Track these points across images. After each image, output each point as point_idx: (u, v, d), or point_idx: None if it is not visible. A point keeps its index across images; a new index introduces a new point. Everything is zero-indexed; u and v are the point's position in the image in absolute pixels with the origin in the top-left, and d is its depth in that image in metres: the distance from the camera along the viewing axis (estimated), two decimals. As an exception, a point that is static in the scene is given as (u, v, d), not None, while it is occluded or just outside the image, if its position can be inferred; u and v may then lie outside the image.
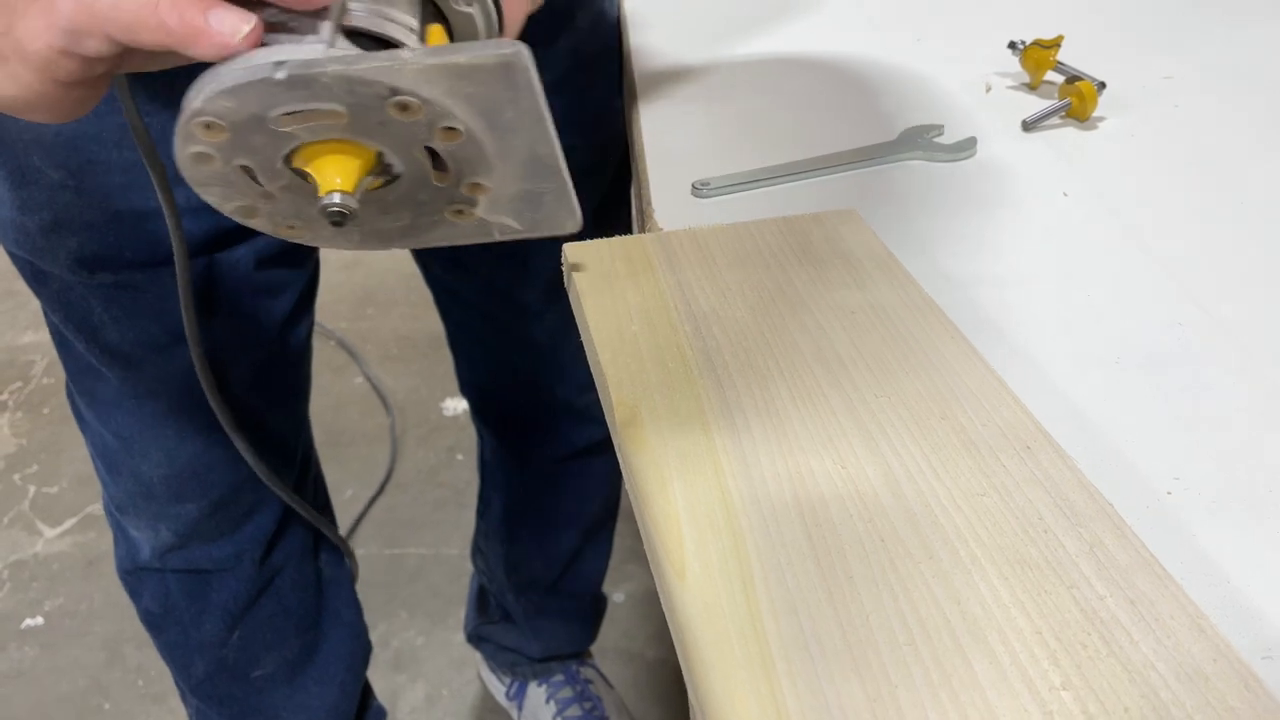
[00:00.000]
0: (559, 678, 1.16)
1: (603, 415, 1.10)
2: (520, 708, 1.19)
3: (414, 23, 0.33)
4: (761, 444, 0.32)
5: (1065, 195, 0.56)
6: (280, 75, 0.27)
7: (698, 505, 0.30)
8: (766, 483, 0.31)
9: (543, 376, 0.89)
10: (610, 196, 0.79)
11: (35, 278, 0.68)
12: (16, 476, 1.54)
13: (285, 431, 0.79)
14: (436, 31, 0.35)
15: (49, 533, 1.44)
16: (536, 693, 1.17)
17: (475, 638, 1.21)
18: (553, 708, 1.15)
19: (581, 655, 1.19)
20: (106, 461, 0.76)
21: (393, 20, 0.32)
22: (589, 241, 0.45)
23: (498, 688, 1.23)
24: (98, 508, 1.46)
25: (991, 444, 0.32)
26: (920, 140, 0.59)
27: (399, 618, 1.35)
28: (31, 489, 1.51)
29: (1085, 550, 0.28)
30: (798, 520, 0.29)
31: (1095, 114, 0.63)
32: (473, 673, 1.27)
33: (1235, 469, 0.36)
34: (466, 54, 0.28)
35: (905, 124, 0.61)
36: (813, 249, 0.45)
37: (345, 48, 0.31)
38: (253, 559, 0.82)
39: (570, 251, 0.44)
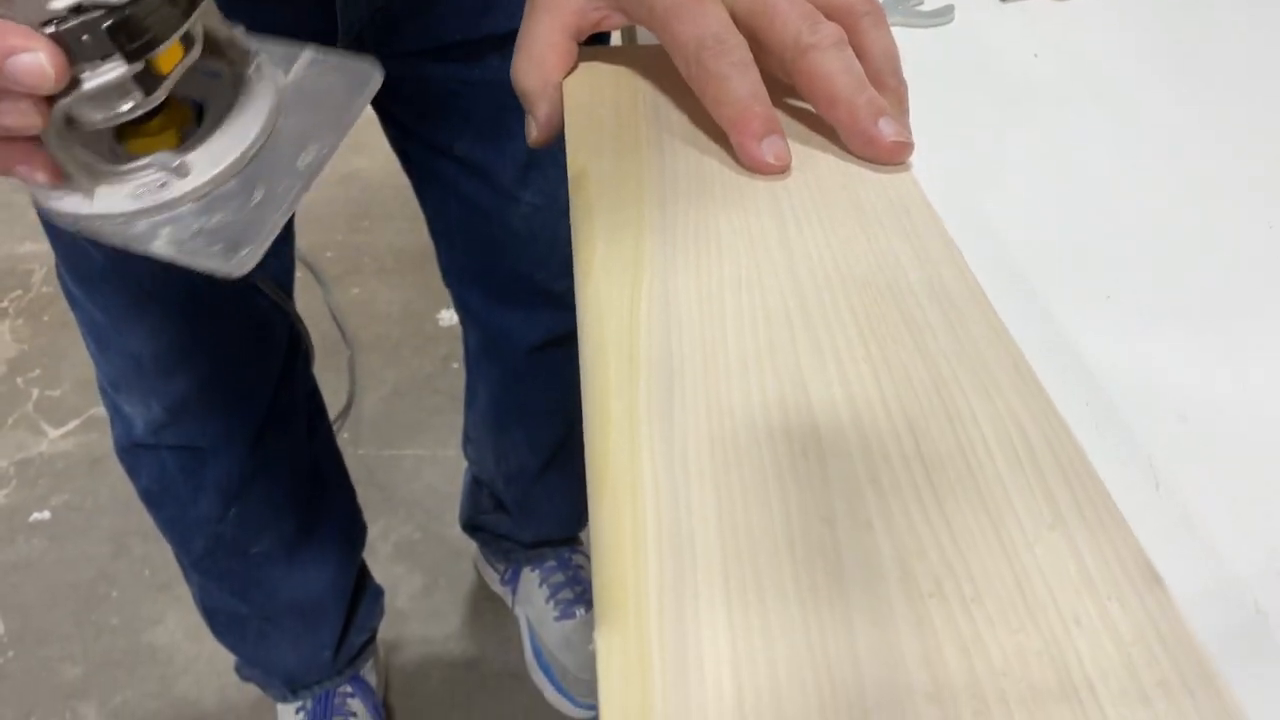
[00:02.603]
0: (551, 563, 1.21)
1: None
2: (514, 592, 1.24)
3: None
4: (684, 201, 0.37)
5: (1035, 57, 0.57)
6: None
7: (614, 237, 0.35)
8: (677, 228, 0.36)
9: (522, 263, 0.91)
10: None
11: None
12: (19, 380, 1.58)
13: (271, 307, 0.82)
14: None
15: (53, 433, 1.48)
16: (529, 577, 1.22)
17: (470, 527, 1.26)
18: (545, 590, 1.20)
19: (572, 541, 1.24)
20: (97, 338, 0.79)
21: None
22: (586, 48, 0.47)
23: (492, 575, 1.28)
24: (100, 410, 1.50)
25: (877, 208, 0.36)
26: (899, 7, 0.60)
27: (397, 514, 1.39)
28: (35, 392, 1.56)
29: (925, 280, 0.32)
30: (690, 243, 0.35)
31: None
32: (468, 564, 1.32)
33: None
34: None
35: (886, -10, 0.62)
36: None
37: None
38: (245, 438, 0.86)
39: None
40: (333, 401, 0.98)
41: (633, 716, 0.21)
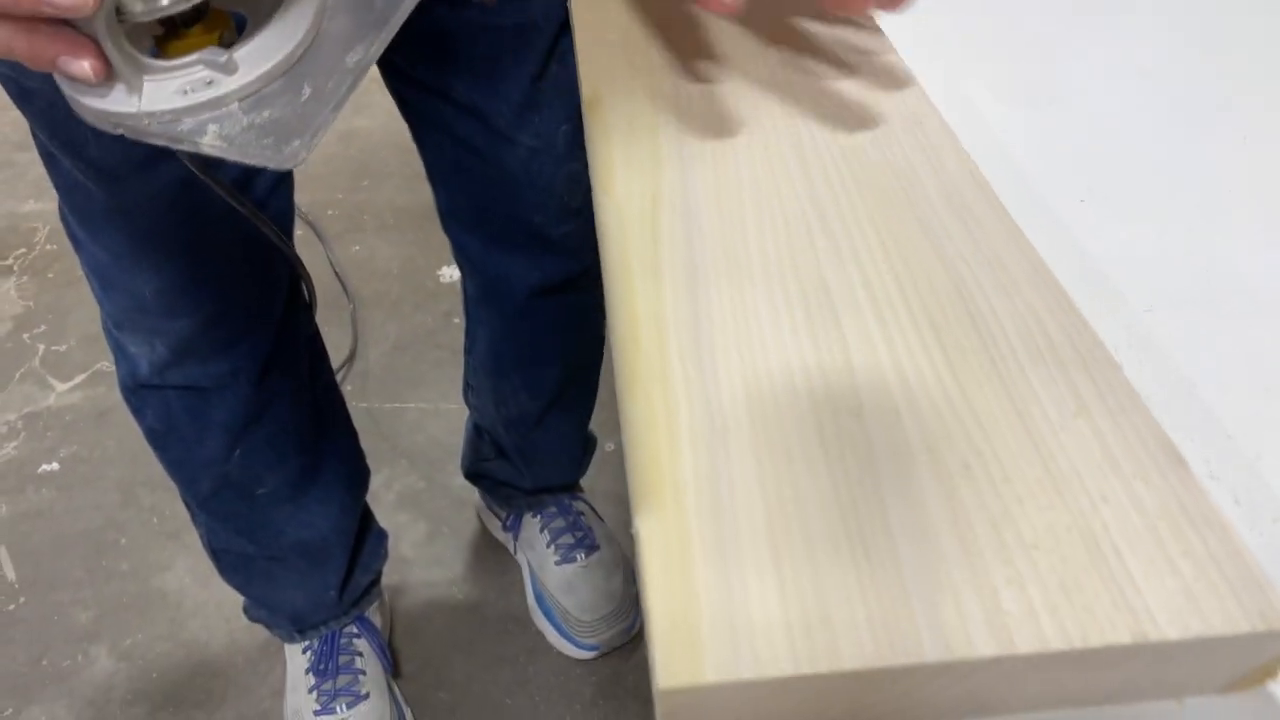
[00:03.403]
0: (552, 509, 1.22)
1: (580, 248, 1.11)
2: (516, 538, 1.25)
3: None
4: (698, 119, 0.37)
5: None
6: None
7: (632, 155, 0.36)
8: (694, 146, 0.36)
9: (519, 206, 0.91)
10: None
11: (21, 95, 0.69)
12: (25, 336, 1.58)
13: (271, 249, 0.82)
14: None
15: (60, 387, 1.49)
16: (531, 523, 1.23)
17: (472, 474, 1.27)
18: (546, 536, 1.21)
19: (573, 489, 1.25)
20: (101, 278, 0.79)
21: None
22: None
23: (494, 522, 1.29)
24: (106, 364, 1.51)
25: (890, 120, 0.36)
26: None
27: (400, 465, 1.40)
28: (41, 347, 1.56)
29: (941, 189, 0.32)
30: (709, 164, 0.35)
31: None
32: (471, 512, 1.33)
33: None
34: None
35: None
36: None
37: None
38: (249, 378, 0.86)
39: None
40: (336, 356, 0.99)
41: (676, 596, 0.22)
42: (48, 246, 1.74)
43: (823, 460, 0.24)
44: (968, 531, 0.23)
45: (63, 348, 1.56)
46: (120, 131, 0.33)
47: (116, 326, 0.82)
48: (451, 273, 1.72)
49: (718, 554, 0.22)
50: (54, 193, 0.74)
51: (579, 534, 1.22)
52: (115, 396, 1.12)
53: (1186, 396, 0.31)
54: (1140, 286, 0.35)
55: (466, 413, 1.21)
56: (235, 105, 0.33)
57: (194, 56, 0.33)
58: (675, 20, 0.43)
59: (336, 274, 1.69)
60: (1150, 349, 0.32)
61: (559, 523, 1.22)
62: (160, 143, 0.33)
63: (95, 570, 1.25)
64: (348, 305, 1.64)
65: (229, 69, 0.33)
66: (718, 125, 0.37)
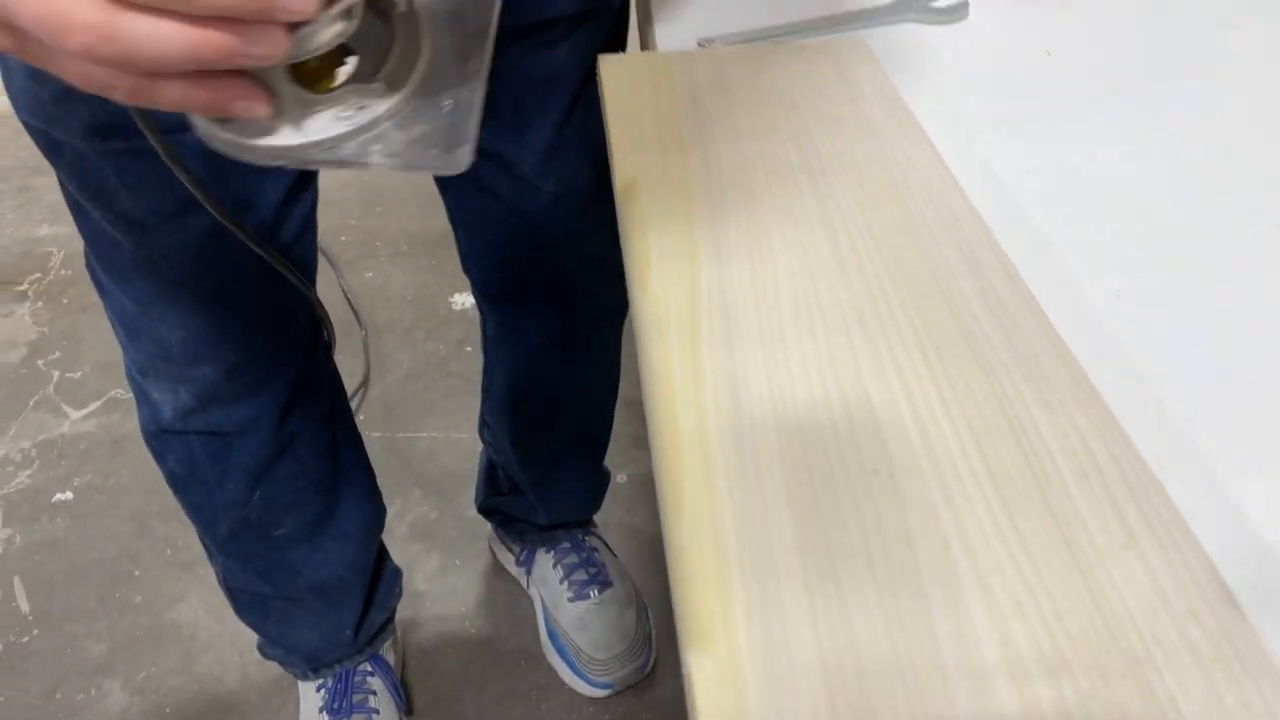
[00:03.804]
0: (565, 545, 1.22)
1: (601, 292, 1.12)
2: (529, 573, 1.25)
3: None
4: (733, 208, 0.38)
5: (1049, 54, 0.57)
6: None
7: (668, 248, 0.37)
8: (730, 244, 0.36)
9: (541, 252, 0.91)
10: (607, 47, 0.80)
11: (50, 148, 0.70)
12: (40, 362, 1.59)
13: (296, 295, 0.82)
14: None
15: (74, 414, 1.49)
16: (544, 559, 1.23)
17: (485, 509, 1.27)
18: (559, 572, 1.21)
19: (586, 524, 1.25)
20: (126, 326, 0.79)
21: None
22: (620, 55, 0.48)
23: (507, 556, 1.29)
24: (120, 391, 1.51)
25: (926, 217, 0.36)
26: (915, 3, 0.61)
27: (413, 495, 1.40)
28: (55, 374, 1.56)
29: (978, 289, 0.32)
30: (746, 258, 0.35)
31: (1082, -28, 0.64)
32: (483, 544, 1.33)
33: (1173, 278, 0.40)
34: None
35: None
36: (818, 70, 0.47)
37: None
38: (271, 422, 0.86)
39: (603, 61, 0.48)
40: (348, 384, 0.99)
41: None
42: (62, 271, 1.74)
43: (874, 593, 0.24)
44: (1025, 683, 0.23)
45: (77, 374, 1.56)
46: (282, 163, 0.35)
47: (141, 373, 0.83)
48: (464, 299, 1.72)
49: (771, 691, 0.22)
50: (69, 216, 0.74)
51: (592, 570, 1.21)
52: (129, 424, 1.11)
53: (1234, 513, 0.31)
54: (1179, 390, 0.35)
55: (478, 441, 1.21)
56: (388, 125, 0.35)
57: (345, 86, 0.35)
58: (708, 103, 0.44)
59: (349, 301, 1.70)
60: (1194, 462, 0.32)
61: (572, 559, 1.22)
62: (326, 166, 0.35)
63: (109, 602, 1.25)
64: (360, 333, 1.64)
65: (377, 93, 0.35)
66: (753, 218, 0.37)
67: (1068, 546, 0.25)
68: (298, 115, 0.34)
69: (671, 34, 0.59)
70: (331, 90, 0.35)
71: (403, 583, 1.14)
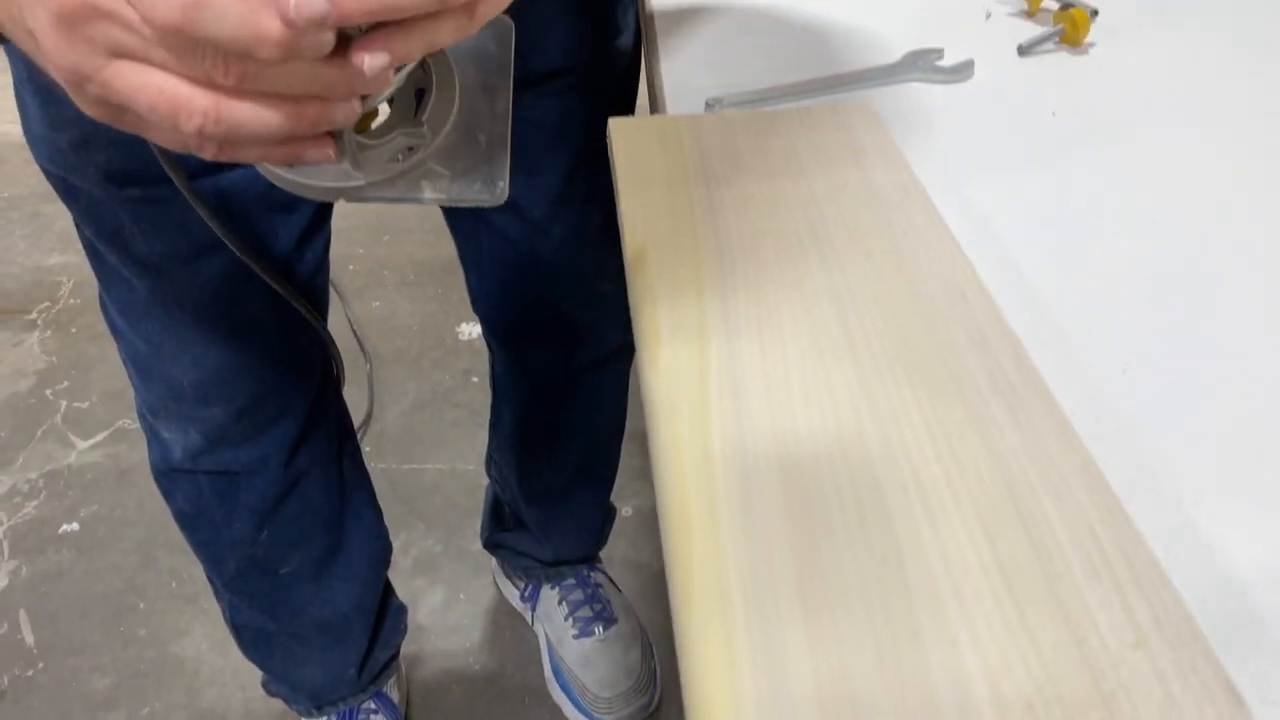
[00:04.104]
0: (570, 581, 1.22)
1: (607, 331, 1.12)
2: (533, 609, 1.25)
3: None
4: (741, 281, 0.38)
5: (1054, 115, 0.58)
6: None
7: (677, 321, 0.37)
8: (739, 310, 0.37)
9: (551, 292, 0.92)
10: (616, 108, 0.81)
11: (68, 193, 0.71)
12: (48, 392, 1.59)
13: (306, 337, 0.83)
14: None
15: (81, 445, 1.50)
16: (549, 595, 1.23)
17: (491, 544, 1.27)
18: (564, 609, 1.21)
19: (591, 560, 1.25)
20: (139, 367, 0.80)
21: None
22: (630, 118, 0.49)
23: (512, 591, 1.29)
24: (128, 422, 1.52)
25: (933, 291, 0.36)
26: (920, 63, 0.62)
27: (418, 528, 1.41)
28: (63, 404, 1.57)
29: (986, 369, 0.33)
30: (755, 332, 0.36)
31: (1087, 40, 0.65)
32: (488, 578, 1.33)
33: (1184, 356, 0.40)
34: None
35: (908, 47, 0.63)
36: (825, 133, 0.48)
37: None
38: (279, 462, 0.87)
39: (613, 124, 0.49)
40: (353, 415, 1.00)
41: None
42: (71, 300, 1.76)
43: (886, 697, 0.24)
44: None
45: (85, 404, 1.57)
46: (342, 199, 0.38)
47: (152, 414, 0.83)
48: (471, 329, 1.73)
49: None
50: (79, 245, 0.75)
51: (597, 606, 1.21)
52: (136, 455, 1.11)
53: (1240, 598, 0.31)
54: (1186, 471, 0.35)
55: (484, 473, 1.21)
56: (434, 163, 0.38)
57: (393, 131, 0.38)
58: (717, 171, 0.44)
59: (354, 332, 1.70)
60: (1199, 548, 0.32)
61: (577, 595, 1.22)
62: (381, 201, 0.38)
63: (113, 635, 1.25)
64: (365, 364, 1.65)
65: (423, 133, 0.38)
66: (762, 292, 0.37)
67: (1078, 645, 0.25)
68: (355, 157, 0.37)
69: (680, 93, 0.59)
70: (373, 129, 0.38)
71: (407, 619, 1.14)
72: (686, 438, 0.31)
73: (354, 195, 0.38)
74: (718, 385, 0.33)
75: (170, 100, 0.30)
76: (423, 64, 0.40)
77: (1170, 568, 0.29)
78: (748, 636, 0.26)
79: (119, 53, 0.30)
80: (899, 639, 0.26)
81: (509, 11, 0.38)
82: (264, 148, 0.34)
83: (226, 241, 0.62)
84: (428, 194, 0.38)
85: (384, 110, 0.39)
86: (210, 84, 0.30)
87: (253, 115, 0.31)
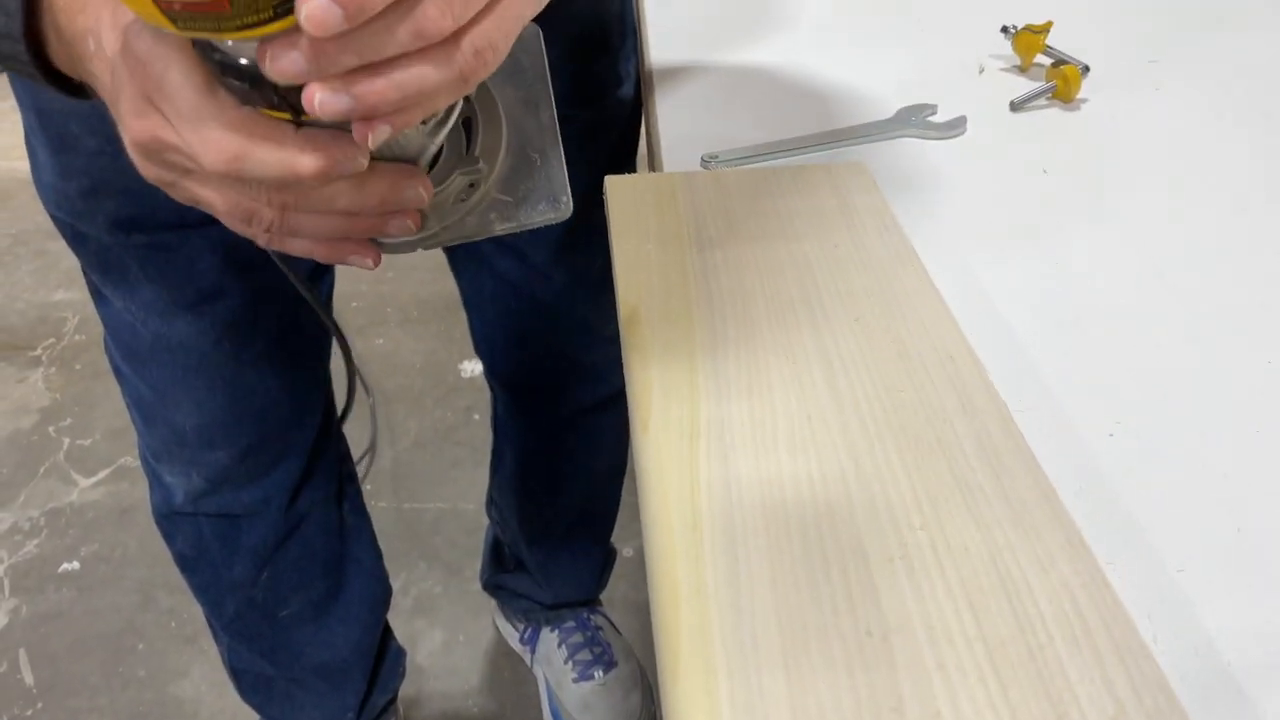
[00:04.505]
0: (570, 624, 1.22)
1: (609, 375, 1.13)
2: (533, 651, 1.25)
3: None
4: (733, 343, 0.39)
5: (1045, 172, 0.59)
6: None
7: (670, 382, 0.38)
8: (729, 372, 0.38)
9: (552, 336, 0.93)
10: (613, 164, 0.82)
11: (75, 239, 0.72)
12: (51, 429, 1.60)
13: (308, 380, 0.84)
14: None
15: (84, 482, 1.50)
16: (549, 638, 1.22)
17: (491, 586, 1.27)
18: (564, 652, 1.20)
19: (592, 603, 1.25)
20: (142, 411, 0.81)
21: None
22: (626, 176, 0.49)
23: (512, 633, 1.28)
24: (130, 459, 1.52)
25: (922, 355, 0.37)
26: (914, 119, 0.63)
27: (418, 568, 1.40)
28: (66, 441, 1.58)
29: (973, 435, 0.33)
30: (745, 396, 0.36)
31: (1079, 96, 0.66)
32: (488, 620, 1.33)
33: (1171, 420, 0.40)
34: None
35: (901, 103, 0.64)
36: (817, 196, 0.49)
37: None
38: (280, 505, 0.87)
39: (609, 182, 0.50)
40: (355, 451, 1.00)
41: None
42: (76, 337, 1.77)
43: None
44: None
45: (88, 441, 1.57)
46: (419, 248, 0.39)
47: (154, 457, 0.84)
48: (474, 367, 1.74)
49: None
50: (84, 281, 0.76)
51: (597, 649, 1.21)
52: (137, 493, 1.11)
53: (1221, 665, 0.31)
54: (1171, 534, 0.35)
55: (484, 516, 1.21)
56: (497, 193, 0.39)
57: (454, 171, 0.39)
58: (711, 232, 0.45)
59: (356, 370, 1.71)
60: (1182, 614, 0.33)
61: (577, 638, 1.21)
62: (456, 242, 0.39)
63: (112, 676, 1.25)
64: (368, 400, 1.65)
65: (480, 169, 0.39)
66: (753, 352, 0.38)
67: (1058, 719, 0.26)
68: (423, 211, 0.38)
69: (677, 147, 0.61)
70: (432, 174, 0.39)
71: (406, 662, 1.13)
72: (675, 505, 0.31)
73: (431, 243, 0.39)
74: (706, 449, 0.33)
75: (244, 212, 0.35)
76: (467, 99, 0.40)
77: (1152, 634, 0.29)
78: (731, 709, 0.26)
79: (190, 173, 0.35)
80: (882, 712, 0.26)
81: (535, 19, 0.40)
82: (310, 247, 0.37)
83: (288, 276, 0.63)
84: (498, 226, 0.39)
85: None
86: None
87: (311, 222, 0.35)
